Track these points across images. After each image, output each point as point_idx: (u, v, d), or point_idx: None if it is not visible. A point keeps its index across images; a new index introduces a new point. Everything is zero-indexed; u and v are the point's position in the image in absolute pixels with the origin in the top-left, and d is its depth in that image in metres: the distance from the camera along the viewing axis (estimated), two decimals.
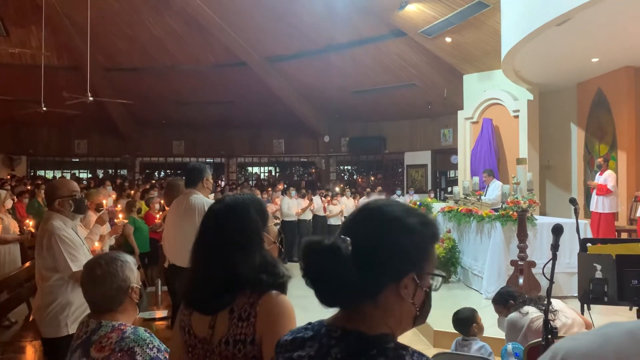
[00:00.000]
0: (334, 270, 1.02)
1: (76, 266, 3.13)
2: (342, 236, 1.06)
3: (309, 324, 1.15)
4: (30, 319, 5.02)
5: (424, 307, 1.08)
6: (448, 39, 11.35)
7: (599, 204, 8.92)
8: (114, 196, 11.15)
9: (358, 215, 1.11)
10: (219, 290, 1.60)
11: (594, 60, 9.03)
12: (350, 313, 1.07)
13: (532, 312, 3.28)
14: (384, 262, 1.03)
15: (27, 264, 6.41)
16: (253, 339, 1.55)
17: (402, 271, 1.04)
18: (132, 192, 12.59)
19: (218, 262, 1.62)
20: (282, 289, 1.62)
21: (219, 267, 1.62)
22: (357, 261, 1.02)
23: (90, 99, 11.26)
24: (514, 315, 3.40)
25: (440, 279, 1.10)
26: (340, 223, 12.49)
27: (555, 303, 3.25)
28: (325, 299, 1.06)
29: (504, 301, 3.72)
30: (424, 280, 1.07)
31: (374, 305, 1.04)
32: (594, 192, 9.08)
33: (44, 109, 12.49)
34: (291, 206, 11.62)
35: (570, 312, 3.35)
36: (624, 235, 8.95)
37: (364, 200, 13.25)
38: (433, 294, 1.10)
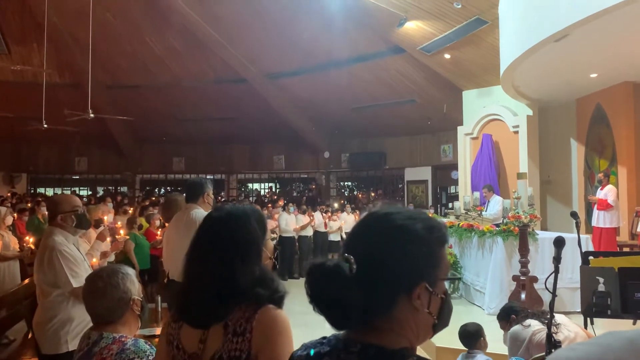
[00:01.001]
0: (340, 293, 0.97)
1: (77, 282, 3.12)
2: (346, 254, 1.01)
3: (324, 338, 1.10)
4: (29, 336, 4.98)
5: (442, 313, 1.04)
6: (447, 56, 11.43)
7: (600, 218, 8.92)
8: (113, 212, 11.12)
9: (360, 229, 1.07)
10: (212, 302, 1.53)
11: (593, 75, 9.08)
12: (367, 327, 1.02)
13: (534, 325, 3.27)
14: (392, 276, 0.99)
15: (27, 281, 6.37)
16: (248, 355, 1.49)
17: (412, 282, 1.00)
18: (131, 209, 12.56)
19: (214, 271, 1.56)
20: (279, 303, 1.56)
21: (214, 276, 1.55)
22: (364, 279, 0.97)
23: (91, 115, 11.30)
24: (516, 328, 3.39)
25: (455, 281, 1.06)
26: (339, 239, 12.46)
27: (558, 317, 3.24)
28: (337, 324, 1.02)
29: (507, 316, 3.72)
30: (438, 286, 1.02)
31: (389, 320, 1.00)
32: (595, 207, 9.08)
33: (45, 126, 12.54)
34: (289, 222, 11.58)
35: (573, 326, 3.34)
36: (626, 250, 8.92)
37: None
38: None
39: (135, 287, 2.13)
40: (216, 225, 1.64)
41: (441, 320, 1.04)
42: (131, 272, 2.18)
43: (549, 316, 3.03)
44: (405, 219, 1.03)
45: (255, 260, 1.60)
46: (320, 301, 1.01)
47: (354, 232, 1.08)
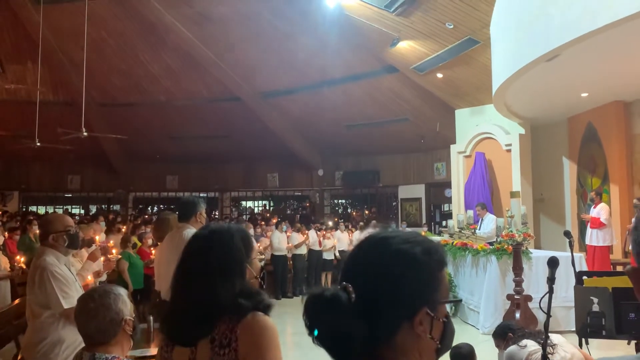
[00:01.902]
0: (340, 323, 0.94)
1: (68, 303, 3.08)
2: (344, 282, 0.98)
3: None
4: (19, 358, 4.90)
5: (445, 337, 1.02)
6: (440, 75, 11.54)
7: (593, 237, 8.95)
8: (106, 231, 11.05)
9: (357, 255, 1.04)
10: (198, 318, 1.56)
11: (584, 95, 9.17)
12: (370, 357, 0.98)
13: (531, 346, 3.25)
14: (393, 303, 0.96)
15: (17, 301, 6.29)
16: None
17: (413, 308, 0.97)
18: (124, 227, 12.48)
19: (197, 288, 1.59)
20: (265, 311, 1.59)
21: (198, 293, 1.58)
22: (364, 308, 0.95)
23: (85, 134, 11.29)
24: (512, 348, 3.37)
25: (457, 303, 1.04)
26: (333, 257, 12.41)
27: (554, 337, 3.22)
28: (339, 356, 0.98)
29: (503, 334, 3.69)
30: (439, 310, 1.00)
31: (392, 348, 0.97)
32: (588, 225, 9.12)
33: (38, 144, 12.50)
34: (282, 240, 11.51)
35: (570, 346, 3.32)
36: (619, 269, 8.92)
37: (358, 234, 13.21)
38: None
39: (127, 308, 2.13)
40: (199, 242, 1.70)
41: (444, 344, 1.02)
42: (123, 292, 2.18)
43: (544, 336, 3.02)
44: (402, 243, 1.01)
45: (237, 276, 1.62)
46: (319, 331, 0.97)
47: (351, 258, 1.05)
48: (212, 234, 1.69)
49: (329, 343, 0.97)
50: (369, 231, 1.13)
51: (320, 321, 0.97)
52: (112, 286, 2.20)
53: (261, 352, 1.52)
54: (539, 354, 2.70)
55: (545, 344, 2.85)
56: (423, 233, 11.08)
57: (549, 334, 2.99)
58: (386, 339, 0.97)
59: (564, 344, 3.29)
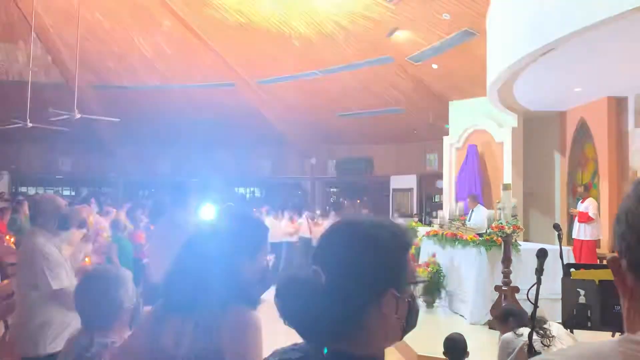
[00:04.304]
0: (309, 304, 0.99)
1: (57, 284, 3.09)
2: (314, 266, 1.02)
3: (295, 344, 1.11)
4: (7, 338, 4.90)
5: (410, 316, 1.06)
6: (435, 66, 11.54)
7: (580, 231, 9.04)
8: (97, 214, 11.01)
9: (326, 240, 1.08)
10: (192, 288, 1.60)
11: (577, 90, 9.21)
12: (337, 336, 1.02)
13: (527, 335, 3.24)
14: (360, 285, 1.00)
15: (6, 282, 6.27)
16: (216, 354, 1.53)
17: (380, 290, 1.01)
18: (116, 210, 12.43)
19: (192, 261, 1.65)
20: (252, 305, 1.60)
21: (190, 265, 1.64)
22: (332, 289, 0.99)
23: (78, 116, 11.20)
24: (508, 335, 3.37)
25: (420, 284, 1.08)
26: None
27: (555, 328, 3.21)
28: (307, 335, 1.03)
29: (504, 319, 3.68)
30: (404, 291, 1.04)
31: (359, 328, 1.01)
32: (576, 219, 9.20)
33: (30, 125, 12.39)
34: (275, 227, 11.54)
35: (569, 339, 3.32)
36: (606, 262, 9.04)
37: None
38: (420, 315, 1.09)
39: (127, 293, 2.08)
40: (218, 222, 1.84)
41: (409, 323, 1.06)
42: (127, 275, 2.15)
43: (545, 326, 3.03)
44: (369, 228, 1.05)
45: (232, 264, 1.63)
46: (290, 313, 1.02)
47: (320, 242, 1.09)
48: (230, 215, 1.77)
49: (298, 322, 1.02)
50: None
51: (291, 301, 1.01)
52: (115, 269, 2.16)
53: (242, 347, 1.52)
54: (535, 345, 2.71)
55: (531, 335, 2.88)
56: (414, 223, 11.09)
57: (551, 323, 3.01)
58: (354, 320, 1.00)
59: (563, 337, 3.24)
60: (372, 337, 1.02)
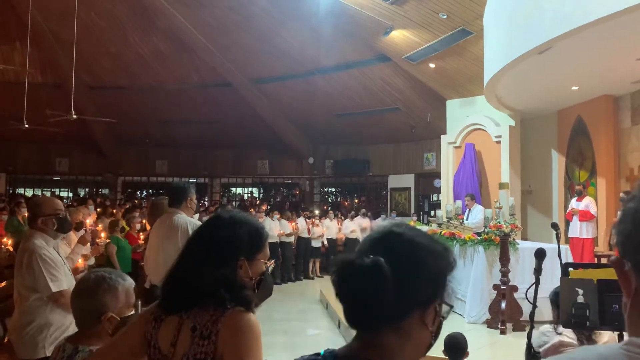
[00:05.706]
0: (375, 290, 0.99)
1: (56, 286, 3.08)
2: (379, 257, 1.01)
3: (317, 354, 1.08)
4: (5, 340, 4.89)
5: (438, 333, 1.09)
6: (432, 65, 11.54)
7: (582, 229, 9.06)
8: (94, 215, 11.00)
9: (385, 238, 1.07)
10: (181, 292, 1.61)
11: (574, 88, 9.23)
12: (367, 343, 1.04)
13: (565, 337, 3.15)
14: (417, 288, 1.02)
15: (4, 284, 6.26)
16: (214, 358, 1.51)
17: (429, 298, 1.04)
18: (115, 211, 12.43)
19: (185, 263, 1.66)
20: (248, 306, 1.58)
21: (184, 268, 1.65)
22: (395, 283, 1.00)
23: (74, 116, 11.18)
24: (548, 328, 3.29)
25: (449, 309, 1.09)
26: (320, 245, 12.45)
27: (567, 335, 3.15)
28: (357, 319, 1.04)
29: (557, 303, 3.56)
30: (442, 308, 1.07)
31: (395, 332, 1.02)
32: (574, 218, 9.22)
33: (26, 126, 12.36)
34: (273, 228, 11.53)
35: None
36: (604, 261, 9.05)
37: (348, 223, 13.25)
38: None
39: (116, 303, 1.98)
40: (213, 221, 1.76)
41: (435, 340, 1.09)
42: (127, 284, 2.04)
43: (586, 333, 2.96)
44: (427, 239, 1.08)
45: (227, 266, 1.62)
46: (350, 297, 1.03)
47: (378, 240, 1.08)
48: (228, 218, 1.71)
49: (354, 307, 1.03)
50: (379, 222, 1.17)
51: (354, 285, 1.02)
52: (117, 275, 2.03)
53: (240, 351, 1.51)
54: (570, 349, 2.64)
55: (530, 334, 2.88)
56: (412, 222, 11.10)
57: (565, 330, 2.95)
58: (399, 320, 1.02)
59: (574, 345, 3.13)
60: (404, 346, 1.04)
